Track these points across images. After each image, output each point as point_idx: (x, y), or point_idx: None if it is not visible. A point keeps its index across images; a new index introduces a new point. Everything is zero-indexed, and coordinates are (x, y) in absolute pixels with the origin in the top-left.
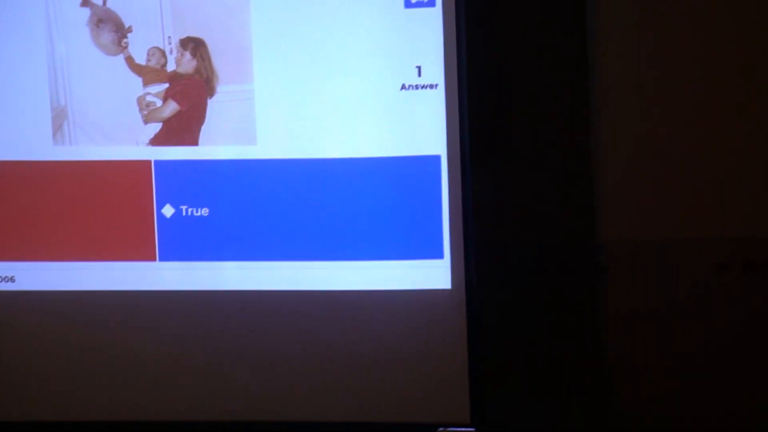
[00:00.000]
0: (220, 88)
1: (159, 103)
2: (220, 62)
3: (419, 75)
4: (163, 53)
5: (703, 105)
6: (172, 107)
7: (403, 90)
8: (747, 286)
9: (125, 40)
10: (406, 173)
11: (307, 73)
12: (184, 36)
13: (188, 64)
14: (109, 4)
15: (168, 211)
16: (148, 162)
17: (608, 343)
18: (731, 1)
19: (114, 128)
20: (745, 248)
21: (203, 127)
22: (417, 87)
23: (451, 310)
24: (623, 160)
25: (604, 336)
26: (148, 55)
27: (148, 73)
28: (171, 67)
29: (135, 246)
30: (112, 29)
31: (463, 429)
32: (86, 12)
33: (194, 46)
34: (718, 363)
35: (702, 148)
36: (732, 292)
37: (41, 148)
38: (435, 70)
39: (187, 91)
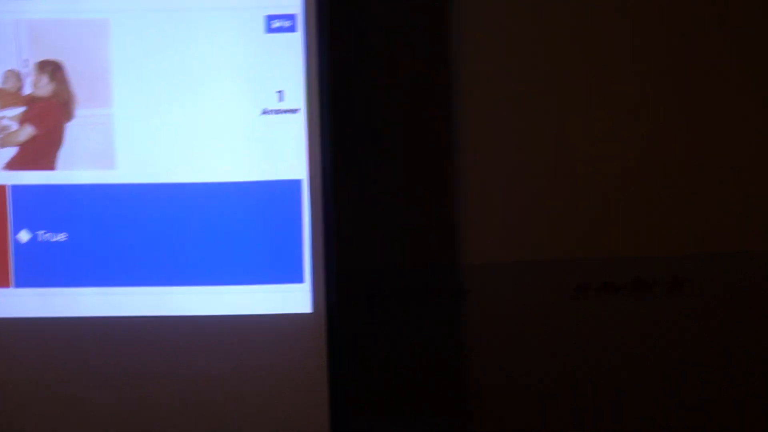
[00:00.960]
0: (79, 112)
1: (15, 126)
2: (78, 85)
3: (280, 99)
4: (18, 76)
5: (560, 134)
6: (29, 131)
7: (264, 114)
8: (606, 307)
9: None
10: (266, 198)
11: (166, 97)
12: (41, 59)
13: (45, 87)
14: None
15: (24, 236)
16: (4, 187)
17: (470, 365)
18: (600, 7)
19: None
20: (604, 270)
21: (61, 151)
22: (278, 111)
23: (312, 334)
24: (485, 184)
25: (465, 359)
26: (3, 78)
27: (3, 97)
28: (27, 90)
29: None
30: None
31: None
32: None
33: (52, 69)
34: (578, 384)
35: (560, 172)
36: (591, 314)
37: None
38: (296, 95)
39: (44, 115)
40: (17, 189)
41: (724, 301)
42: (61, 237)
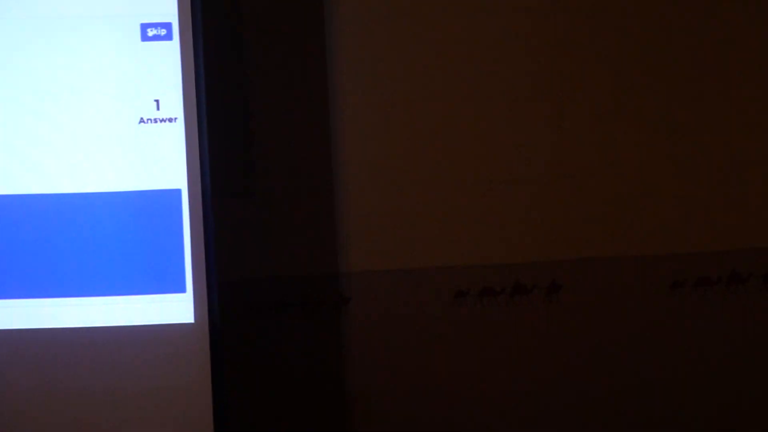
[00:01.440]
0: None
1: None
2: None
3: (158, 108)
4: None
5: (439, 143)
6: None
7: (142, 123)
8: (485, 312)
9: None
10: (146, 208)
11: (42, 106)
12: None
13: None
14: None
15: None
16: None
17: (351, 373)
18: (473, 12)
19: None
20: (483, 276)
21: None
22: (156, 120)
23: (195, 345)
24: (364, 193)
25: (346, 366)
26: None
27: None
28: None
29: None
30: None
31: None
32: None
33: None
34: (459, 387)
35: (439, 181)
36: (471, 319)
37: None
38: (174, 104)
39: None
40: None
41: (600, 305)
42: None
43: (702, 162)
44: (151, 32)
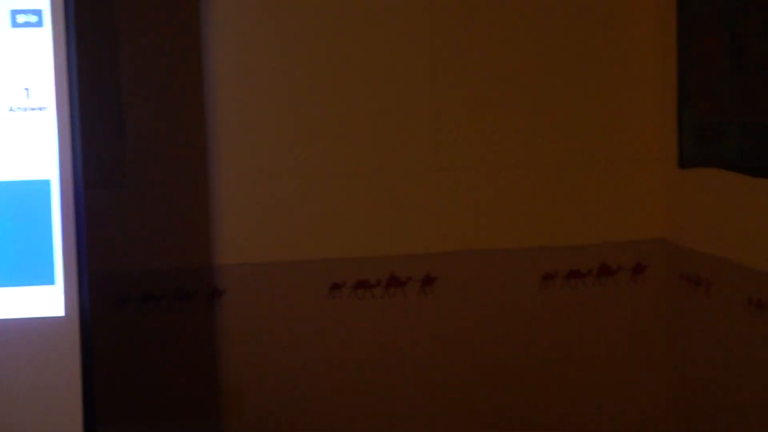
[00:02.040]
0: None
1: None
2: None
3: (28, 97)
4: None
5: (318, 136)
6: None
7: (12, 112)
8: (360, 305)
9: None
10: (14, 198)
11: None
12: None
13: None
14: None
15: None
16: None
17: (225, 366)
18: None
19: None
20: (358, 268)
21: None
22: (25, 109)
23: (65, 338)
24: (240, 185)
25: (221, 359)
26: None
27: None
28: None
29: None
30: None
31: None
32: None
33: None
34: (335, 380)
35: (316, 174)
36: (346, 311)
37: None
38: (44, 93)
39: None
40: None
41: (473, 297)
42: None
43: (574, 157)
44: (21, 19)
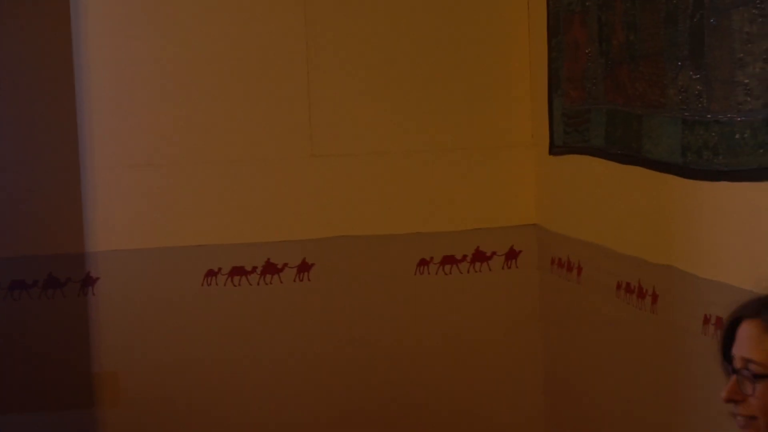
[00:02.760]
0: None
1: None
2: None
3: None
4: None
5: (188, 124)
6: None
7: None
8: (235, 291)
9: None
10: None
11: None
12: None
13: None
14: None
15: None
16: None
17: (99, 352)
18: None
19: None
20: (234, 255)
21: None
22: None
23: None
24: (112, 173)
25: (94, 346)
26: None
27: None
28: None
29: None
30: None
31: None
32: None
33: None
34: (210, 368)
35: (190, 161)
36: (222, 297)
37: None
38: None
39: None
40: None
41: (350, 282)
42: None
43: (447, 145)
44: None
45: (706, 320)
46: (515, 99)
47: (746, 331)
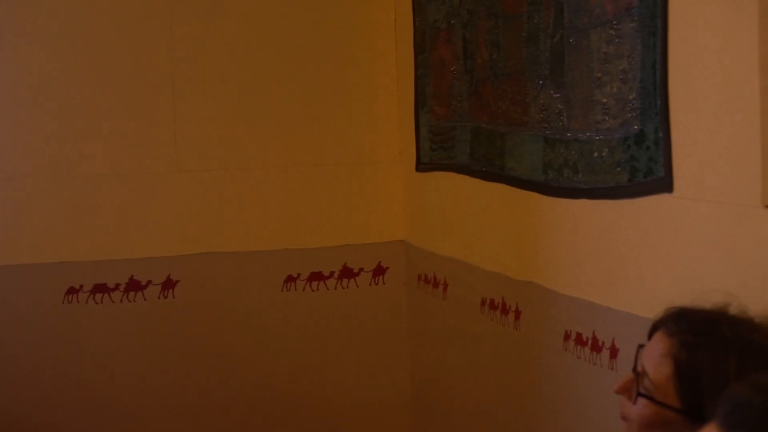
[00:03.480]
0: None
1: None
2: None
3: None
4: None
5: (52, 137)
6: None
7: None
8: (97, 308)
9: None
10: None
11: None
12: None
13: None
14: None
15: None
16: None
17: None
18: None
19: None
20: (96, 272)
21: None
22: None
23: None
24: None
25: None
26: None
27: None
28: None
29: None
30: None
31: None
32: None
33: None
34: (71, 385)
35: (51, 175)
36: (84, 315)
37: None
38: None
39: None
40: None
41: (216, 299)
42: None
43: (315, 161)
44: None
45: (567, 336)
46: (383, 115)
47: (656, 344)
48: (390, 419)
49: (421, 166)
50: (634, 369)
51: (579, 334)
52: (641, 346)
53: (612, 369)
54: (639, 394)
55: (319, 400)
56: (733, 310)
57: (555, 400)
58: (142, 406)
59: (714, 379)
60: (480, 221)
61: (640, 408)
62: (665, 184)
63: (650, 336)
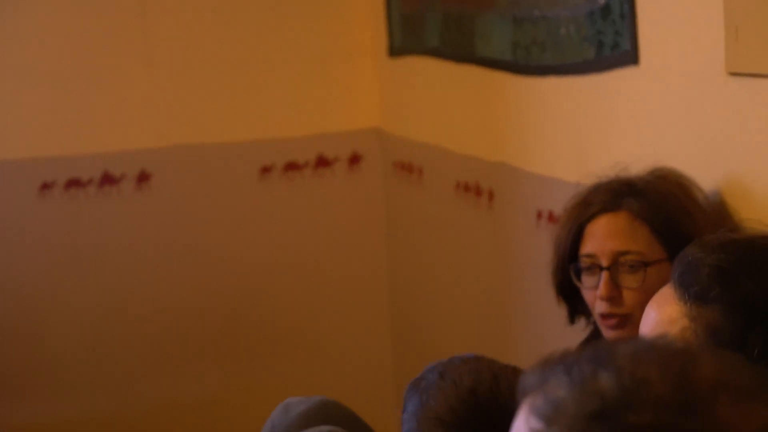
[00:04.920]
0: None
1: None
2: None
3: None
4: None
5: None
6: None
7: None
8: (71, 204)
9: None
10: None
11: None
12: None
13: None
14: None
15: None
16: None
17: None
18: None
19: None
20: (69, 166)
21: None
22: None
23: None
24: None
25: None
26: None
27: None
28: None
29: None
30: None
31: None
32: None
33: None
34: (55, 286)
35: (29, 70)
36: (57, 211)
37: None
38: None
39: None
40: None
41: (190, 193)
42: None
43: (288, 50)
44: None
45: (539, 215)
46: (354, 4)
47: (610, 224)
48: (368, 305)
49: (394, 51)
50: (605, 268)
51: (551, 212)
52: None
53: None
54: (644, 265)
55: (297, 289)
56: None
57: (528, 279)
58: (118, 301)
59: (682, 209)
60: (452, 105)
61: (644, 283)
62: (631, 57)
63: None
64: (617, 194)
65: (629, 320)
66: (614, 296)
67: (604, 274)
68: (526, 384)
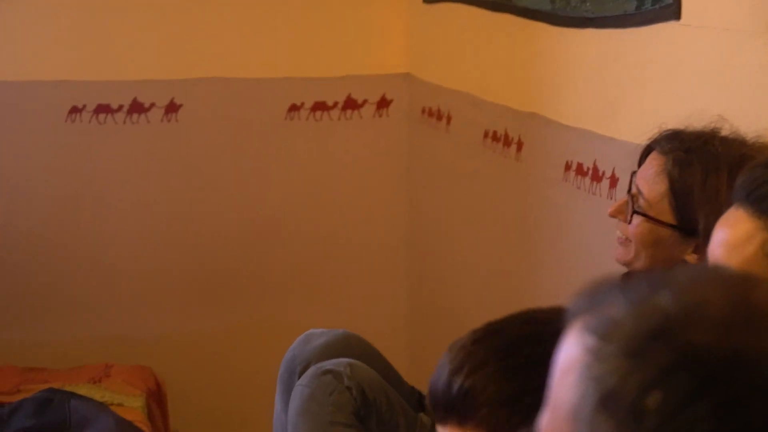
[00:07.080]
0: None
1: None
2: None
3: None
4: None
5: None
6: None
7: None
8: (99, 129)
9: None
10: None
11: None
12: None
13: None
14: None
15: None
16: None
17: None
18: None
19: None
20: (98, 92)
21: None
22: None
23: None
24: None
25: None
26: None
27: None
28: None
29: None
30: None
31: None
32: None
33: None
34: (78, 211)
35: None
36: (86, 136)
37: None
38: None
39: None
40: None
41: (218, 125)
42: None
43: None
44: None
45: (568, 167)
46: None
47: (650, 163)
48: (386, 248)
49: None
50: (629, 191)
51: (580, 164)
52: (634, 173)
53: (611, 198)
54: (634, 212)
55: (317, 227)
56: (724, 131)
57: (554, 231)
58: (139, 229)
59: (706, 192)
60: (485, 53)
61: (635, 227)
62: (673, 11)
63: (643, 157)
64: (671, 139)
65: (628, 243)
66: (618, 217)
67: (626, 197)
68: (576, 307)
